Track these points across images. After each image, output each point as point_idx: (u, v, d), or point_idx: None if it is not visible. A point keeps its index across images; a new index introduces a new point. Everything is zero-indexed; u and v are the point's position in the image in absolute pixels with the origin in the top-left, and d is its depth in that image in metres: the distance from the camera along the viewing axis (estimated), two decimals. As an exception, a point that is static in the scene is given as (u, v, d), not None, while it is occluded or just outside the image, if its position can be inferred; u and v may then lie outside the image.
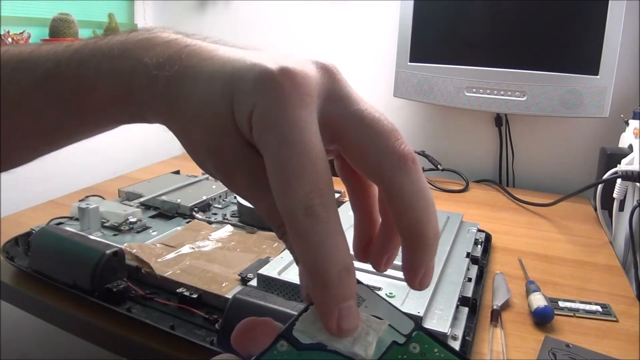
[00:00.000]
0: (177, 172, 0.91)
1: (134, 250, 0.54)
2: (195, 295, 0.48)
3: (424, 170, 1.02)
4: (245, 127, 0.22)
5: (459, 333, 0.43)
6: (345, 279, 0.21)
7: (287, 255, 0.51)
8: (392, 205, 0.23)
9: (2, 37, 0.92)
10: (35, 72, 0.27)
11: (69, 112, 0.27)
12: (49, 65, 0.27)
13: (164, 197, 0.73)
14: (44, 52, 0.28)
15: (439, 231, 0.23)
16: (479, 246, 0.62)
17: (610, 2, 0.81)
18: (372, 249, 0.27)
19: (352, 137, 0.23)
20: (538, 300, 0.50)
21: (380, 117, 0.23)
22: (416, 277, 0.23)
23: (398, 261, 0.49)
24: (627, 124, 0.84)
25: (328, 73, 0.23)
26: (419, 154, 1.06)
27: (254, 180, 0.23)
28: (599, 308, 0.52)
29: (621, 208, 0.74)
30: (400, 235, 0.24)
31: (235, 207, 0.73)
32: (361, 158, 0.23)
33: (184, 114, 0.24)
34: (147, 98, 0.25)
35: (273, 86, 0.21)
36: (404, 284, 0.47)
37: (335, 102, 0.23)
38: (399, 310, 0.24)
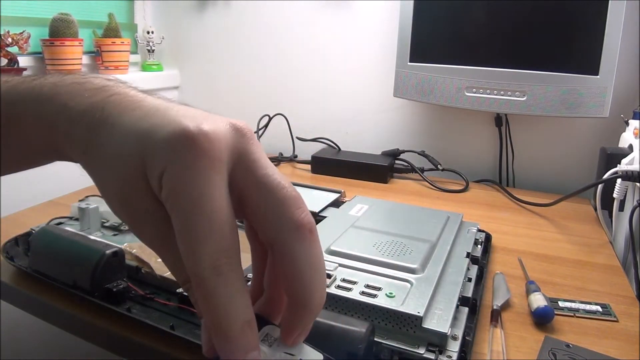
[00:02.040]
0: (177, 172, 0.91)
1: (134, 250, 0.54)
2: (195, 295, 0.48)
3: (423, 170, 1.02)
4: (156, 185, 0.22)
5: (459, 333, 0.43)
6: (247, 332, 0.22)
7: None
8: (283, 270, 0.23)
9: (2, 37, 0.92)
10: None
11: (4, 147, 0.28)
12: None
13: (164, 197, 0.73)
14: None
15: (324, 297, 0.24)
16: (479, 246, 0.62)
17: (610, 2, 0.81)
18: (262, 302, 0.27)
19: (256, 201, 0.23)
20: (538, 300, 0.50)
21: (285, 184, 0.24)
22: (292, 335, 0.24)
23: (398, 261, 0.49)
24: (627, 124, 0.84)
25: (241, 135, 0.24)
26: (419, 154, 1.06)
27: (161, 236, 0.23)
28: (599, 308, 0.52)
29: (621, 208, 0.74)
30: (286, 296, 0.24)
31: (235, 207, 0.73)
32: (262, 221, 0.24)
33: (99, 163, 0.25)
34: (68, 144, 0.26)
35: (184, 149, 0.22)
36: (404, 284, 0.47)
37: (244, 165, 0.23)
38: (309, 345, 0.26)
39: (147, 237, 0.24)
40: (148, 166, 0.23)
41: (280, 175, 0.24)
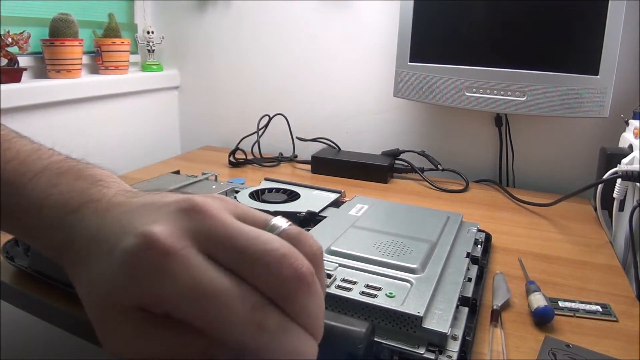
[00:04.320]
0: (177, 172, 0.91)
1: (134, 250, 0.54)
2: (195, 295, 0.48)
3: (423, 170, 1.02)
4: (155, 307, 0.22)
5: (459, 333, 0.43)
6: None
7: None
8: None
9: (2, 37, 0.92)
10: None
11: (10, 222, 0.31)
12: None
13: (164, 197, 0.73)
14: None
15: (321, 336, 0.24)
16: (479, 246, 0.62)
17: (610, 2, 0.81)
18: None
19: (249, 273, 0.23)
20: (538, 300, 0.50)
21: (272, 246, 0.23)
22: None
23: (398, 261, 0.49)
24: (627, 124, 0.84)
25: (194, 216, 0.23)
26: (419, 154, 1.06)
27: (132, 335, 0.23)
28: (599, 308, 0.52)
29: (621, 208, 0.74)
30: None
31: (235, 207, 0.73)
32: (264, 289, 0.23)
33: (81, 285, 0.27)
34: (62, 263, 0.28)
35: (140, 268, 0.22)
36: (404, 284, 0.47)
37: (213, 245, 0.23)
38: None
39: (115, 341, 0.24)
40: (123, 296, 0.23)
41: (253, 238, 0.23)
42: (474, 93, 0.94)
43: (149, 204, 0.25)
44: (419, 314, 0.41)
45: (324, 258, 0.52)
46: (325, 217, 0.66)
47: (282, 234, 0.25)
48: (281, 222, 0.26)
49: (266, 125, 1.17)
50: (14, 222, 0.30)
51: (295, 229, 0.26)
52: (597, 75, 0.85)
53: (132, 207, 0.26)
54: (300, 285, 0.22)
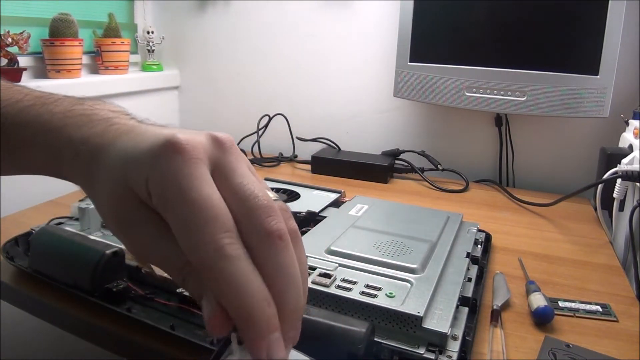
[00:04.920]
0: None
1: (134, 250, 0.54)
2: (195, 295, 0.48)
3: (423, 170, 1.02)
4: (145, 195, 0.24)
5: (459, 333, 0.43)
6: (267, 311, 0.22)
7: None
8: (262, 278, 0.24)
9: (2, 37, 0.92)
10: None
11: (9, 158, 0.31)
12: None
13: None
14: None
15: (300, 303, 0.24)
16: (479, 246, 0.62)
17: (610, 2, 0.81)
18: None
19: (230, 210, 0.24)
20: (538, 300, 0.50)
21: (258, 193, 0.24)
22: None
23: (398, 261, 0.49)
24: (627, 124, 0.84)
25: (219, 146, 0.26)
26: (419, 154, 1.06)
27: (150, 239, 0.25)
28: (599, 308, 0.52)
29: (621, 208, 0.74)
30: None
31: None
32: (239, 230, 0.24)
33: (96, 188, 0.27)
34: (71, 172, 0.29)
35: (164, 153, 0.24)
36: (404, 284, 0.47)
37: (221, 173, 0.25)
38: (302, 354, 0.27)
39: (138, 243, 0.25)
40: (133, 178, 0.24)
41: (255, 185, 0.25)
42: (474, 93, 0.94)
43: (181, 128, 0.27)
44: (419, 314, 0.41)
45: (324, 258, 0.52)
46: (325, 217, 0.66)
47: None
48: (273, 196, 0.27)
49: (266, 125, 1.17)
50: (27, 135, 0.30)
51: (286, 206, 0.27)
52: (597, 75, 0.85)
53: (166, 128, 0.27)
54: (277, 239, 0.23)
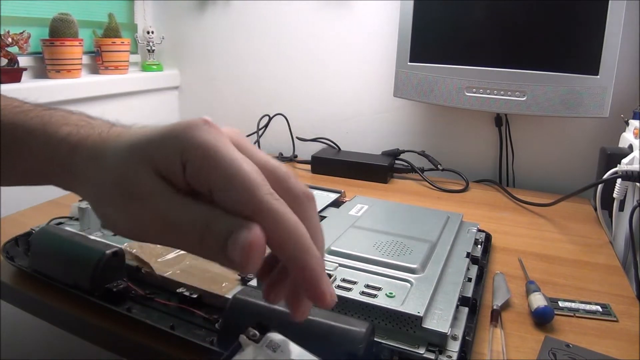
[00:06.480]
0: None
1: (134, 250, 0.54)
2: (195, 296, 0.48)
3: (423, 170, 1.02)
4: (174, 166, 0.25)
5: (459, 333, 0.43)
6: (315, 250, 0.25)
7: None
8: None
9: (2, 37, 0.92)
10: None
11: (5, 165, 0.32)
12: None
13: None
14: None
15: (322, 259, 0.26)
16: (479, 246, 0.62)
17: (610, 2, 0.81)
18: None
19: None
20: (538, 300, 0.50)
21: (281, 165, 0.27)
22: (300, 306, 0.26)
23: (398, 261, 0.49)
24: (627, 124, 0.84)
25: (234, 131, 0.27)
26: (419, 154, 1.06)
27: (168, 202, 0.25)
28: (599, 308, 0.52)
29: (621, 208, 0.74)
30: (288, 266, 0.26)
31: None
32: None
33: (95, 170, 0.28)
34: (64, 164, 0.29)
35: (198, 126, 0.25)
36: (404, 284, 0.47)
37: (241, 149, 0.26)
38: (310, 354, 0.29)
39: (149, 217, 0.25)
40: (159, 154, 0.25)
41: (274, 160, 0.27)
42: (474, 93, 0.94)
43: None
44: (419, 314, 0.41)
45: (324, 258, 0.52)
46: (325, 217, 0.66)
47: None
48: None
49: (266, 125, 1.17)
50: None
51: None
52: (597, 75, 0.85)
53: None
54: (308, 197, 0.27)
